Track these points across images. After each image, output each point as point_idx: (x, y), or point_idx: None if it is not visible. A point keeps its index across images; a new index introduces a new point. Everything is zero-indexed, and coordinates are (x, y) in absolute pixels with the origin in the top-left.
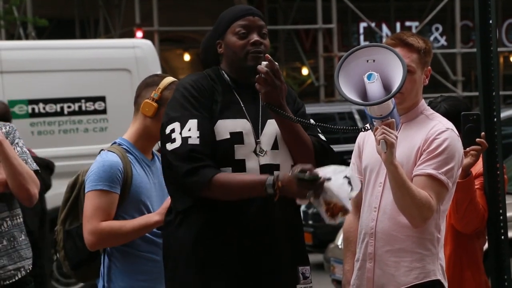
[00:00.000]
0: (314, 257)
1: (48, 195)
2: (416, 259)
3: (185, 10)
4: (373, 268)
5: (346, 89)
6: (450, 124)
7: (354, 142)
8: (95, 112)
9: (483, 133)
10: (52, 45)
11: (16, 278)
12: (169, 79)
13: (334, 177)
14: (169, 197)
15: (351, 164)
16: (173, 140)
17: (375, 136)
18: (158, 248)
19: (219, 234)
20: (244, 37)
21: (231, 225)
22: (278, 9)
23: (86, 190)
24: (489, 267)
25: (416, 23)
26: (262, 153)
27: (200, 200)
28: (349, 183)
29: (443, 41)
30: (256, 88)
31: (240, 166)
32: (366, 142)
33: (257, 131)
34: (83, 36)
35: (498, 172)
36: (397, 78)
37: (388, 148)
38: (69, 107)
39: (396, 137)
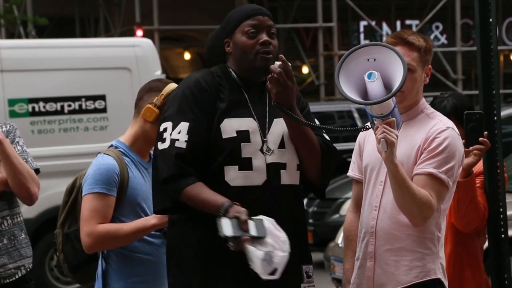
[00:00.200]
0: (314, 256)
1: (49, 193)
2: (416, 258)
3: (185, 8)
4: (373, 267)
5: (347, 88)
6: (450, 123)
7: (353, 140)
8: (95, 111)
9: (486, 132)
10: (52, 44)
11: (16, 277)
12: (172, 86)
13: (259, 246)
14: None
15: (351, 163)
16: (164, 140)
17: (375, 135)
18: (155, 250)
19: None
20: (254, 37)
21: None
22: (278, 7)
23: (83, 193)
24: (489, 266)
25: (417, 22)
26: (269, 152)
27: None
28: (266, 260)
29: (443, 39)
30: (266, 87)
31: (246, 164)
32: (367, 141)
33: (264, 130)
34: (83, 35)
35: (498, 171)
36: (397, 76)
37: (388, 147)
38: (69, 106)
39: (397, 136)
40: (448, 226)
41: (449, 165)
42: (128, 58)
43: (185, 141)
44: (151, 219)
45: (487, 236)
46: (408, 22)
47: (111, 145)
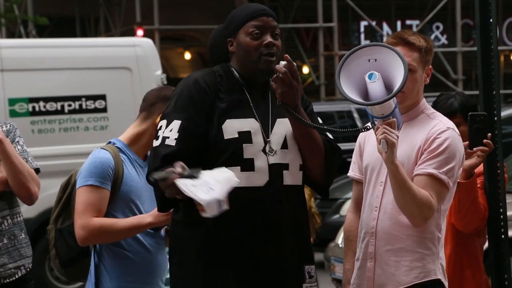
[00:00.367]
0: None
1: (49, 193)
2: (416, 258)
3: (185, 8)
4: (373, 267)
5: (348, 88)
6: (451, 124)
7: (353, 141)
8: (96, 110)
9: (489, 134)
10: (52, 44)
11: (16, 277)
12: None
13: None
14: None
15: (351, 163)
16: (157, 137)
17: (376, 135)
18: (148, 250)
19: (227, 234)
20: (258, 38)
21: (239, 224)
22: (279, 7)
23: (77, 186)
24: (489, 266)
25: (417, 22)
26: (271, 153)
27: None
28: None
29: (443, 39)
30: (270, 86)
31: (248, 165)
32: (367, 141)
33: (267, 130)
34: (84, 34)
35: (499, 171)
36: (398, 77)
37: (389, 147)
38: (69, 105)
39: (397, 136)
40: (448, 226)
41: (450, 166)
42: (128, 58)
43: (175, 138)
44: (147, 217)
45: (487, 236)
46: (408, 22)
47: (109, 142)
